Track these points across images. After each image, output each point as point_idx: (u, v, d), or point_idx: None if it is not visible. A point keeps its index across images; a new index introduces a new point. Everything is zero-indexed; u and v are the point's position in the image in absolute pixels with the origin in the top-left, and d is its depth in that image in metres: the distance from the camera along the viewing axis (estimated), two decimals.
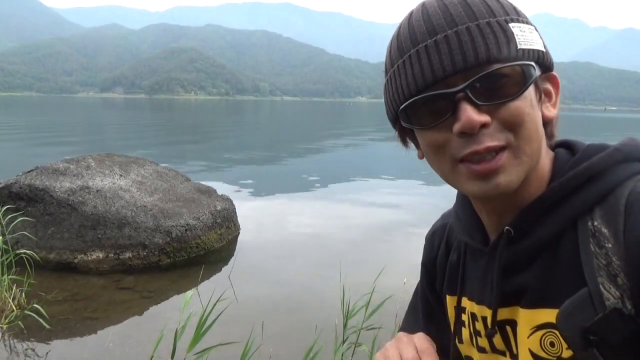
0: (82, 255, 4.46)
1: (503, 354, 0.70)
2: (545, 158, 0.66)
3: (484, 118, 0.59)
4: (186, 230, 4.86)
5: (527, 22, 0.62)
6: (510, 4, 0.63)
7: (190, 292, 2.80)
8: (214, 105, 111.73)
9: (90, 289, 4.09)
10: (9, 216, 4.19)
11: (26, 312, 3.37)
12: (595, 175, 0.62)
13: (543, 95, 0.65)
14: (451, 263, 0.80)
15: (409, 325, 0.92)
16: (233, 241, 5.52)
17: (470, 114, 0.58)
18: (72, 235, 4.53)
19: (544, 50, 0.62)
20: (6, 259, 3.65)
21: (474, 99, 0.59)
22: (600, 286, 0.57)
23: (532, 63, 0.60)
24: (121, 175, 5.34)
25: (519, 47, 0.59)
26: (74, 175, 5.00)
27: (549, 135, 0.67)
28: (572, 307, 0.59)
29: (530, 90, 0.61)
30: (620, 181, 0.61)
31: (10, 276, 3.59)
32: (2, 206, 4.34)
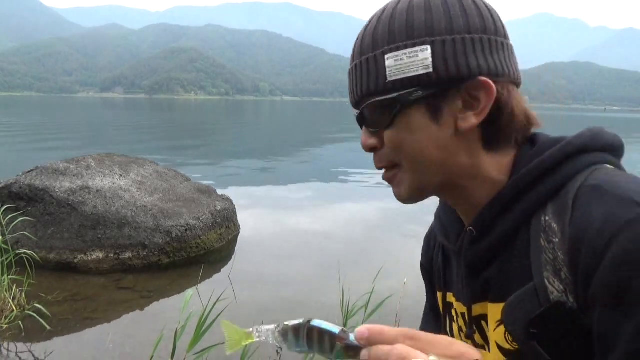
0: (82, 255, 4.46)
1: (483, 347, 0.72)
2: (488, 159, 0.66)
3: (372, 142, 0.68)
4: (186, 230, 4.86)
5: (415, 44, 0.62)
6: (404, 26, 0.63)
7: (190, 292, 2.80)
8: (214, 105, 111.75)
9: (90, 289, 4.09)
10: (9, 216, 4.18)
11: (26, 312, 3.37)
12: (547, 171, 0.63)
13: (461, 106, 0.64)
14: (441, 261, 0.84)
15: (424, 326, 0.95)
16: (233, 241, 5.52)
17: (362, 137, 0.69)
18: (72, 235, 4.53)
19: (429, 72, 0.62)
20: (6, 259, 3.64)
21: (364, 126, 0.69)
22: (546, 280, 0.58)
23: (396, 94, 0.63)
24: (121, 175, 5.34)
25: (388, 79, 0.63)
26: (74, 175, 5.00)
27: (500, 138, 0.66)
28: (518, 301, 0.61)
29: (412, 114, 0.64)
30: (572, 175, 0.61)
31: (10, 276, 3.58)
32: (2, 206, 4.34)
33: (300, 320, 0.50)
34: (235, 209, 5.81)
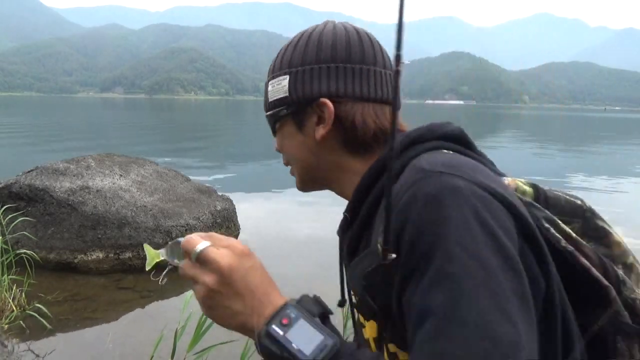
0: (82, 255, 4.46)
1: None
2: (353, 158, 0.82)
3: (275, 145, 0.91)
4: (186, 230, 4.86)
5: (284, 74, 0.83)
6: (289, 54, 0.83)
7: (190, 292, 2.80)
8: (214, 105, 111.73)
9: (90, 289, 4.09)
10: (9, 216, 4.18)
11: (27, 312, 3.37)
12: (390, 161, 0.74)
13: (316, 120, 0.81)
14: None
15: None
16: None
17: (274, 141, 0.92)
18: (72, 235, 4.53)
19: (286, 95, 0.82)
20: (6, 259, 3.64)
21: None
22: (378, 244, 0.67)
23: (272, 111, 0.85)
24: (121, 175, 5.34)
25: (269, 100, 0.86)
26: (74, 175, 5.00)
27: (354, 142, 0.81)
28: (358, 262, 0.75)
29: (285, 126, 0.86)
30: (408, 161, 0.72)
31: (10, 276, 3.58)
32: (2, 206, 4.34)
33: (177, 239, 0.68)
34: (235, 209, 5.81)
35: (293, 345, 0.59)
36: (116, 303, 3.87)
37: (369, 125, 0.80)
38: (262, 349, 0.61)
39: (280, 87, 0.83)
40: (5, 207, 4.36)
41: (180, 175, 6.21)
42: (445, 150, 0.74)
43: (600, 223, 0.79)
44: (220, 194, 6.00)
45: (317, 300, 0.65)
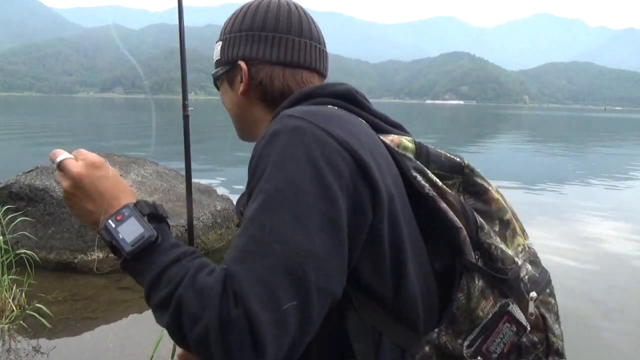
0: (82, 255, 4.46)
1: None
2: (269, 111, 0.94)
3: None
4: (186, 230, 4.85)
5: (220, 40, 0.99)
6: (226, 24, 0.99)
7: None
8: (214, 105, 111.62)
9: (90, 289, 4.09)
10: (9, 216, 4.18)
11: (27, 311, 3.37)
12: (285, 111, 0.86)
13: (240, 79, 0.95)
14: None
15: None
16: (233, 241, 5.51)
17: None
18: (72, 235, 4.53)
19: (219, 58, 0.99)
20: (6, 259, 3.64)
21: None
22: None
23: (214, 70, 1.01)
24: (121, 175, 5.33)
25: (214, 60, 1.01)
26: None
27: (266, 98, 0.95)
28: (240, 197, 0.89)
29: (222, 83, 1.01)
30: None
31: (10, 276, 3.58)
32: (2, 206, 4.33)
33: None
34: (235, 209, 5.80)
35: (120, 235, 0.74)
36: (116, 303, 3.86)
37: (276, 84, 0.93)
38: (101, 238, 0.77)
39: (217, 51, 1.00)
40: (6, 207, 4.36)
41: (180, 175, 6.21)
42: (330, 106, 0.84)
43: (479, 180, 0.86)
44: (220, 193, 6.00)
45: (153, 205, 0.79)
